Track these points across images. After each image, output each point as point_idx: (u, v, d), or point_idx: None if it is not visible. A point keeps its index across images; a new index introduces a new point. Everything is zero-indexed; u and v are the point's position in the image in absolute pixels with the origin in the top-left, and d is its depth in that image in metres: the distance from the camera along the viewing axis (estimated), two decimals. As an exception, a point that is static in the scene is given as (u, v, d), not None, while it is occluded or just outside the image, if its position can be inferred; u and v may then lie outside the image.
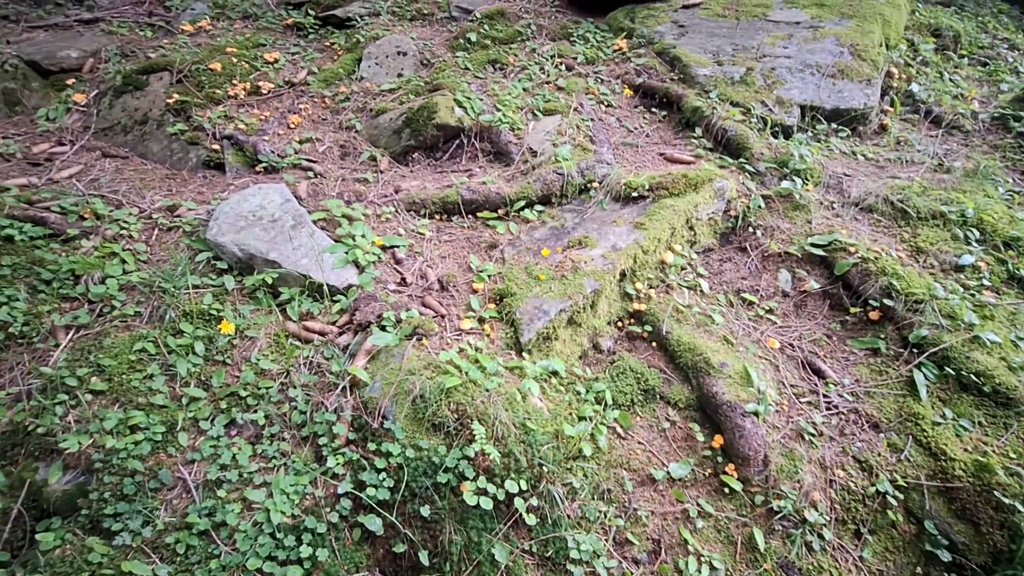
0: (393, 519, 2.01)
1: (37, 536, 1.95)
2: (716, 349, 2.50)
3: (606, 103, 3.82)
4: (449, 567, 1.98)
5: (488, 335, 2.48)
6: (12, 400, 2.22)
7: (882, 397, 2.49)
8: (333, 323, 2.55)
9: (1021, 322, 2.63)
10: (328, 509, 2.03)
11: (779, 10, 4.32)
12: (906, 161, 3.50)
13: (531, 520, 2.02)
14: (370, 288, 2.63)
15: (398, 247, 2.88)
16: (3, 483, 2.08)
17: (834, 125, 3.63)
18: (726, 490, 2.23)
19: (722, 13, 4.32)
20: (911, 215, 3.04)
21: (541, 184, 3.16)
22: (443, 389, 2.14)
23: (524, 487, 2.04)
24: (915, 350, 2.56)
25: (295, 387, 2.32)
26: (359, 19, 4.69)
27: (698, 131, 3.48)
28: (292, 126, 3.76)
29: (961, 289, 2.72)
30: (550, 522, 2.07)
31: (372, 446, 2.12)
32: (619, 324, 2.71)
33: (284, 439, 2.21)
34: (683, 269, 2.87)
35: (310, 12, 4.81)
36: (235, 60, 4.12)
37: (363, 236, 2.83)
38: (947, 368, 2.47)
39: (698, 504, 2.20)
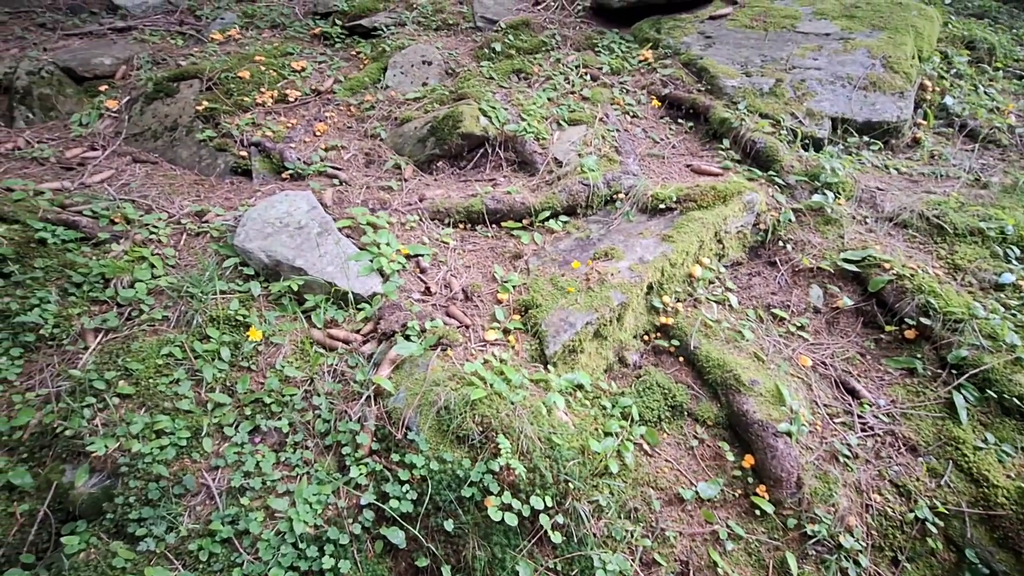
0: (416, 532, 1.98)
1: (62, 539, 1.95)
2: (746, 366, 2.44)
3: (631, 114, 3.80)
4: (472, 584, 1.94)
5: (513, 346, 2.45)
6: (41, 402, 2.24)
7: (920, 419, 2.41)
8: (357, 331, 2.54)
9: (1066, 344, 2.53)
10: (351, 520, 2.01)
11: (808, 21, 4.27)
12: (941, 176, 3.42)
13: (556, 538, 1.97)
14: (394, 297, 2.62)
15: (422, 256, 2.87)
16: (30, 484, 2.09)
17: (866, 138, 3.55)
18: (757, 512, 2.16)
19: (750, 24, 4.28)
20: (948, 231, 2.96)
21: (566, 195, 3.13)
22: (468, 401, 2.11)
23: (549, 504, 2.00)
24: (954, 371, 2.47)
25: (319, 395, 2.31)
26: (385, 29, 4.73)
27: (726, 143, 3.44)
28: (318, 134, 3.79)
29: (1002, 309, 2.62)
30: (576, 540, 2.02)
31: (396, 457, 2.09)
32: (645, 338, 2.67)
33: (307, 447, 2.20)
34: (711, 283, 2.82)
35: (337, 22, 4.87)
36: (263, 68, 4.17)
37: (388, 244, 2.83)
38: (988, 391, 2.38)
39: (728, 526, 2.14)
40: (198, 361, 2.34)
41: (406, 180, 3.46)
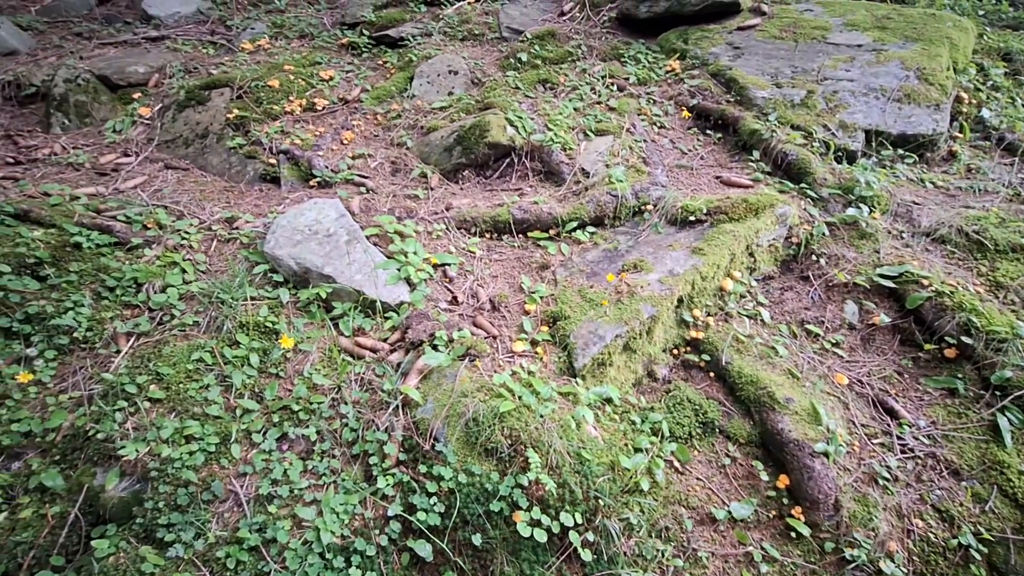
0: (443, 546, 1.95)
1: (92, 542, 1.96)
2: (780, 383, 2.38)
3: (659, 124, 3.77)
4: (500, 601, 1.90)
5: (541, 358, 2.42)
6: (74, 404, 2.26)
7: (962, 442, 2.32)
8: (384, 340, 2.53)
9: (1117, 366, 2.43)
10: (377, 531, 1.99)
11: (839, 32, 4.21)
12: (979, 190, 3.33)
13: (586, 556, 1.93)
14: (422, 306, 2.61)
15: (449, 265, 2.86)
16: (62, 487, 2.11)
17: (900, 151, 3.48)
18: (792, 534, 2.10)
19: (779, 35, 4.23)
20: (988, 247, 2.87)
21: (594, 205, 3.11)
22: (497, 413, 2.08)
23: (579, 520, 1.96)
24: (997, 392, 2.39)
25: (346, 403, 2.30)
26: (411, 39, 4.77)
27: (756, 154, 3.39)
28: (345, 142, 3.82)
29: (1047, 329, 2.53)
30: (606, 559, 1.97)
31: (423, 468, 2.07)
32: (675, 352, 2.62)
33: (334, 456, 2.19)
34: (742, 297, 2.77)
35: (364, 32, 4.93)
36: (292, 77, 4.23)
37: (415, 253, 2.82)
38: (1035, 414, 2.29)
39: (762, 547, 2.08)
40: (227, 367, 2.35)
41: (432, 189, 3.46)
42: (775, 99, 3.60)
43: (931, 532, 2.11)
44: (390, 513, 2.00)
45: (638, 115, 3.80)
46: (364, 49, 4.81)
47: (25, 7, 5.72)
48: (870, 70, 3.77)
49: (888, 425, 2.39)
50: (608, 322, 2.43)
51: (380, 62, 4.66)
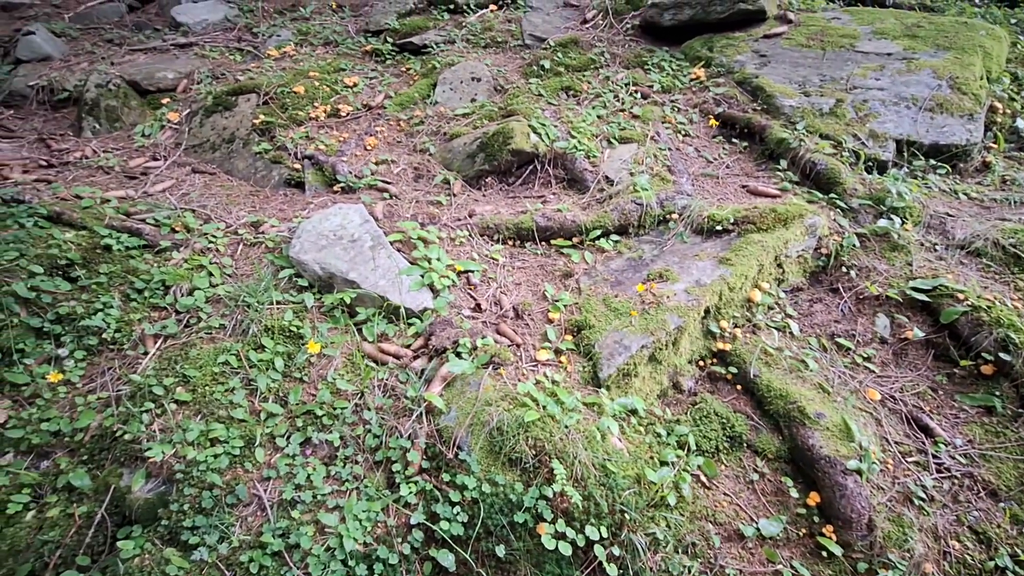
0: (466, 556, 1.93)
1: (118, 543, 1.97)
2: (811, 397, 2.33)
3: (683, 132, 3.73)
4: (523, 614, 1.87)
5: (565, 368, 2.39)
6: (102, 405, 2.29)
7: (1000, 461, 2.25)
8: (408, 346, 2.52)
9: None
10: (400, 540, 1.97)
11: (867, 41, 4.15)
12: (1015, 202, 3.24)
13: (612, 570, 1.89)
14: (445, 313, 2.60)
15: (472, 272, 2.85)
16: (89, 487, 2.12)
17: (932, 161, 3.40)
18: (824, 553, 2.04)
19: (806, 43, 4.18)
20: (1026, 261, 2.79)
21: (618, 213, 3.08)
22: (521, 423, 2.06)
23: (605, 534, 1.92)
24: (1038, 411, 2.31)
25: (369, 409, 2.29)
26: (435, 46, 4.80)
27: (783, 163, 3.34)
28: (369, 148, 3.85)
29: (1090, 346, 2.44)
30: (631, 573, 1.93)
31: (446, 477, 2.06)
32: (700, 364, 2.58)
33: (357, 462, 2.18)
34: (770, 309, 2.72)
35: (388, 39, 4.97)
36: (317, 84, 4.27)
37: (438, 259, 2.82)
38: (1078, 434, 2.21)
39: (792, 566, 2.02)
40: (252, 370, 2.36)
41: (455, 195, 3.47)
42: (803, 108, 3.55)
43: (967, 554, 2.04)
44: (413, 521, 1.99)
45: (662, 123, 3.78)
46: (388, 56, 4.85)
47: (59, 14, 5.87)
48: (900, 79, 3.70)
49: (923, 443, 2.32)
50: (634, 332, 2.40)
51: (403, 69, 4.69)
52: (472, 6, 5.42)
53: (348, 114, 4.12)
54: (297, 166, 3.64)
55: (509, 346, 2.48)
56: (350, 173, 3.53)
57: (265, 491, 2.07)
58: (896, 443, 2.29)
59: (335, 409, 2.29)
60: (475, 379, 2.28)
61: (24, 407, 2.26)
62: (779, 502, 2.18)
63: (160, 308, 2.59)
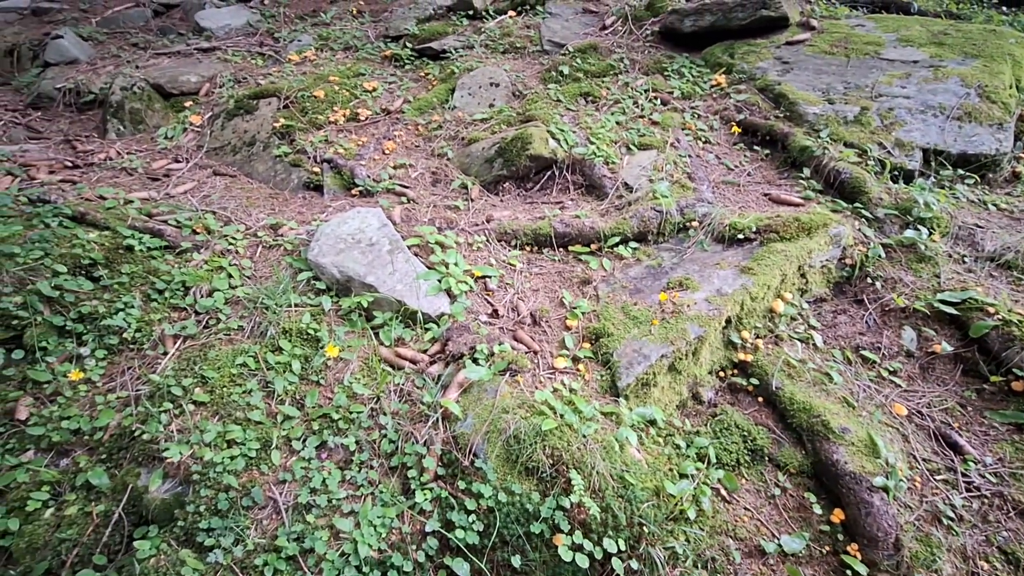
0: (482, 566, 1.90)
1: (134, 543, 1.97)
2: (835, 411, 2.27)
3: (704, 139, 3.70)
4: (538, 627, 1.84)
5: (583, 376, 2.36)
6: (121, 404, 2.30)
7: (1033, 482, 2.17)
8: (424, 351, 2.51)
9: None
10: (415, 547, 1.95)
11: (892, 48, 4.08)
12: (1047, 214, 3.15)
13: (629, 585, 1.86)
14: (462, 318, 2.59)
15: (490, 277, 2.83)
16: (107, 486, 2.13)
17: (960, 171, 3.33)
18: (848, 572, 1.98)
19: (829, 50, 4.12)
20: (1059, 275, 2.71)
21: (637, 220, 3.05)
22: (539, 432, 2.03)
23: (623, 547, 1.89)
24: (1073, 431, 2.23)
25: (385, 414, 2.28)
26: (453, 52, 4.82)
27: (806, 172, 3.28)
28: (387, 152, 3.86)
29: None
30: (649, 589, 1.90)
31: (462, 484, 2.03)
32: (721, 374, 2.53)
33: (372, 467, 2.17)
34: (793, 319, 2.66)
35: (407, 44, 5.00)
36: (336, 88, 4.31)
37: (456, 264, 2.81)
38: (1116, 456, 2.13)
39: (815, 586, 1.97)
40: (270, 372, 2.36)
41: (472, 200, 3.46)
42: (827, 115, 3.50)
43: (997, 575, 1.97)
44: (428, 529, 1.97)
45: (682, 130, 3.74)
46: (407, 61, 4.87)
47: (86, 18, 6.00)
48: (927, 87, 3.63)
49: (951, 461, 2.25)
50: (653, 341, 2.36)
51: (422, 74, 4.71)
52: (491, 12, 5.44)
53: (367, 118, 4.14)
54: (316, 169, 3.67)
55: (526, 353, 2.46)
56: (368, 177, 3.54)
57: (280, 494, 2.07)
58: (924, 460, 2.23)
59: (351, 413, 2.28)
60: (492, 386, 2.26)
61: (45, 404, 2.29)
62: (802, 518, 2.13)
63: (180, 309, 2.60)
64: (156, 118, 4.35)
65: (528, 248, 3.12)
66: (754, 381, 2.46)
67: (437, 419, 2.21)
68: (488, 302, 2.74)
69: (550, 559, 1.89)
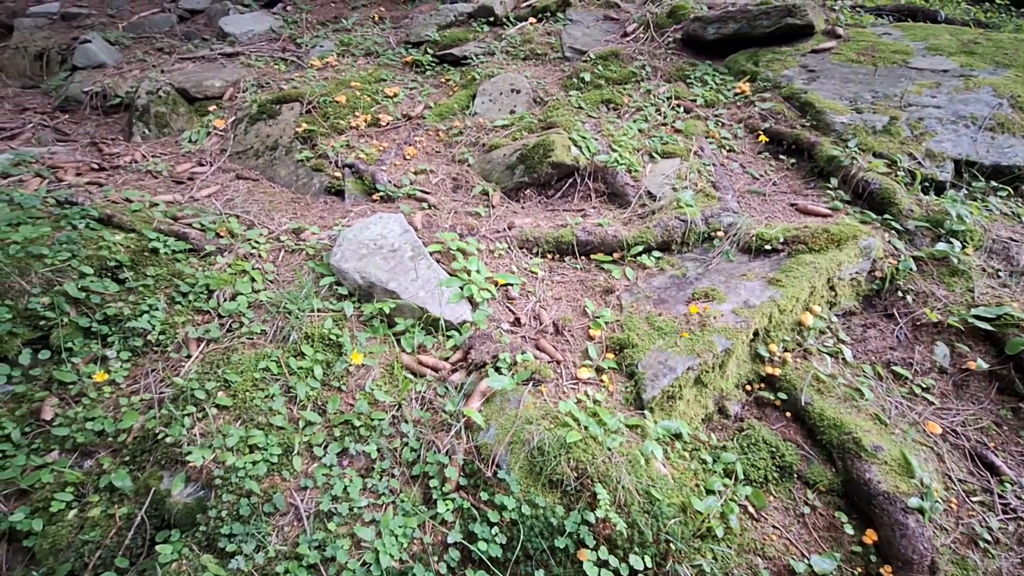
0: (504, 580, 1.87)
1: (156, 547, 1.97)
2: (867, 428, 2.21)
3: (728, 148, 3.65)
4: (562, 644, 1.80)
5: (607, 387, 2.33)
6: (145, 406, 2.31)
7: (1075, 506, 2.09)
8: (446, 359, 2.49)
9: None
10: (436, 558, 1.93)
11: (921, 57, 4.01)
12: (1084, 228, 3.06)
13: (656, 603, 1.81)
14: (484, 326, 2.57)
15: (512, 285, 2.81)
16: (130, 488, 2.14)
17: (993, 183, 3.25)
18: (881, 597, 1.92)
19: (856, 59, 4.06)
20: (1099, 291, 2.63)
21: (661, 229, 3.01)
22: (563, 444, 2.00)
23: (649, 564, 1.84)
24: (1117, 454, 2.15)
25: (407, 422, 2.26)
26: (475, 58, 4.83)
27: (834, 182, 3.23)
28: (408, 157, 3.86)
29: None
30: (676, 608, 1.85)
31: (484, 495, 2.01)
32: (747, 388, 2.48)
33: (394, 476, 2.15)
34: (822, 333, 2.61)
35: (428, 51, 5.02)
36: (358, 94, 4.33)
37: (477, 271, 2.79)
38: None
39: (846, 609, 1.91)
40: (292, 377, 2.35)
41: (493, 207, 3.45)
42: (855, 125, 3.44)
43: (1042, 607, 1.90)
44: (450, 540, 1.94)
45: (706, 138, 3.70)
46: (428, 67, 4.89)
47: (113, 23, 6.10)
48: (958, 97, 3.56)
49: (987, 481, 2.18)
50: (679, 353, 2.32)
51: (443, 80, 4.72)
52: (512, 19, 5.44)
53: (388, 124, 4.15)
54: (337, 174, 3.68)
55: (549, 362, 2.43)
56: (389, 182, 3.55)
57: (302, 501, 2.06)
58: (960, 481, 2.16)
59: (373, 420, 2.27)
60: (515, 396, 2.23)
61: (70, 405, 2.30)
62: (832, 538, 2.07)
63: (203, 312, 2.61)
64: (181, 122, 4.41)
65: (550, 256, 3.10)
66: (782, 396, 2.41)
67: (459, 428, 2.19)
68: (510, 310, 2.71)
69: (575, 574, 1.86)
